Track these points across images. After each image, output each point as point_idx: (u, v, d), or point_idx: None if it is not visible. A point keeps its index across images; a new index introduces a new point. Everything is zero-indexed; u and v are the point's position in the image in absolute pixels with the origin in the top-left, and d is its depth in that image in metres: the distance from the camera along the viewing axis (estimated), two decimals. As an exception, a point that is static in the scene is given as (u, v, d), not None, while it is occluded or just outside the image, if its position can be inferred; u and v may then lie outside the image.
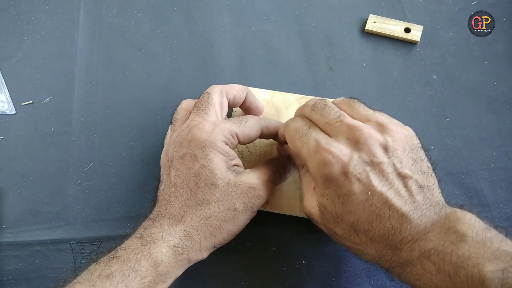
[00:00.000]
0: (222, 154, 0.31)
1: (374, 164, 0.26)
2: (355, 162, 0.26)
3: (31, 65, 0.46)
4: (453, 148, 0.40)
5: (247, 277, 0.36)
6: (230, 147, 0.32)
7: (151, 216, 0.31)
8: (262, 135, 0.35)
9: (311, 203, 0.30)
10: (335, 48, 0.46)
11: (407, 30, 0.45)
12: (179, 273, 0.30)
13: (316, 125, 0.30)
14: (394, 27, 0.45)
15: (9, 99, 0.44)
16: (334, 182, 0.27)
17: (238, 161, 0.33)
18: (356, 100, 0.31)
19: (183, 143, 0.32)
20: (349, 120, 0.28)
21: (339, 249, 0.37)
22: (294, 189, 0.37)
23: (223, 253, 0.36)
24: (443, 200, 0.27)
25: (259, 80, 0.44)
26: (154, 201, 0.33)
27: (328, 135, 0.29)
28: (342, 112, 0.30)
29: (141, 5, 0.49)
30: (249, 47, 0.46)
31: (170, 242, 0.29)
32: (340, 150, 0.27)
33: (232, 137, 0.32)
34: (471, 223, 0.24)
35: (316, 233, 0.37)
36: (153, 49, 0.46)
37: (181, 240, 0.29)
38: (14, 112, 0.44)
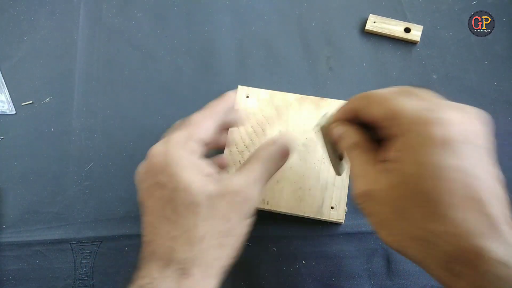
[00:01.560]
0: (189, 168, 0.27)
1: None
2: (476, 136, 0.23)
3: (31, 65, 0.46)
4: (453, 148, 0.40)
5: (247, 277, 0.36)
6: (197, 153, 0.28)
7: (139, 264, 0.27)
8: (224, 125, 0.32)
9: (371, 179, 0.25)
10: (335, 48, 0.46)
11: (407, 30, 0.45)
12: None
13: None
14: (394, 27, 0.45)
15: (9, 99, 0.44)
16: (448, 146, 0.21)
17: (208, 167, 0.28)
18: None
19: (143, 177, 0.28)
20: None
21: (339, 249, 0.37)
22: (294, 189, 0.37)
23: (223, 253, 0.37)
24: None
25: (259, 80, 0.44)
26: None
27: None
28: None
29: (141, 5, 0.49)
30: (249, 47, 0.46)
31: None
32: (460, 117, 0.23)
33: (191, 142, 0.28)
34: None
35: (316, 233, 0.37)
36: (153, 49, 0.46)
37: (177, 283, 0.25)
38: (14, 112, 0.44)
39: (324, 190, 0.37)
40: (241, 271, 0.36)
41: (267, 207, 0.37)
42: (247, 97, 0.41)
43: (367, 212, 0.26)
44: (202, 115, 0.31)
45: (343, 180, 0.37)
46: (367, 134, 0.28)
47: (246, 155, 0.39)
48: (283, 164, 0.31)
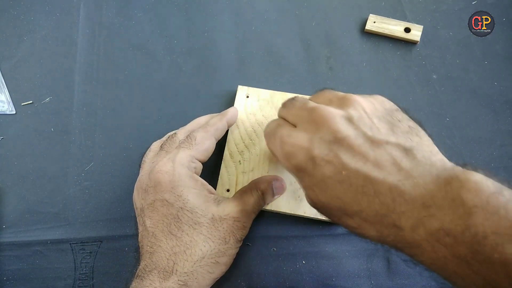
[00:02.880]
0: (194, 188, 0.30)
1: (339, 140, 0.23)
2: (318, 144, 0.24)
3: (31, 65, 0.46)
4: (453, 148, 0.40)
5: (247, 277, 0.36)
6: (197, 173, 0.31)
7: (138, 272, 0.29)
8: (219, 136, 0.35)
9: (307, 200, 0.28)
10: (335, 48, 0.46)
11: (407, 30, 0.45)
12: None
13: (287, 121, 0.28)
14: (394, 27, 0.45)
15: (9, 99, 0.44)
16: (305, 171, 0.24)
17: (209, 187, 0.32)
18: (325, 89, 0.29)
19: (148, 190, 0.30)
20: (310, 104, 0.26)
21: (339, 249, 0.37)
22: (294, 189, 0.37)
23: (223, 253, 0.37)
24: (441, 159, 0.22)
25: (259, 80, 0.44)
26: (137, 251, 0.31)
27: (295, 127, 0.27)
28: (308, 100, 0.27)
29: (141, 5, 0.49)
30: (249, 47, 0.46)
31: None
32: (299, 137, 0.25)
33: (194, 162, 0.31)
34: (477, 188, 0.19)
35: (316, 233, 0.37)
36: (153, 49, 0.46)
37: None
38: (14, 112, 0.44)
39: (324, 190, 0.37)
40: (241, 271, 0.36)
41: (267, 207, 0.37)
42: (247, 97, 0.41)
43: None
44: (205, 133, 0.34)
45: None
46: None
47: (246, 155, 0.39)
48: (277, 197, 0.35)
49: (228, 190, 0.37)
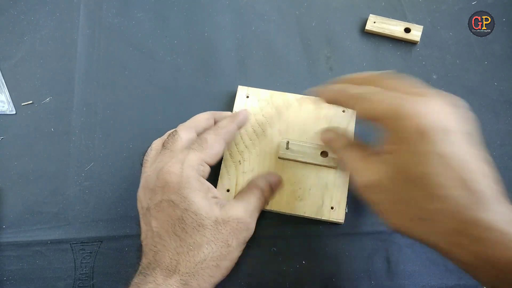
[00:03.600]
0: (200, 191, 0.30)
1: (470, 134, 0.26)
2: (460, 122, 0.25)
3: (31, 65, 0.46)
4: (453, 148, 0.40)
5: (247, 277, 0.36)
6: (204, 177, 0.32)
7: (141, 269, 0.30)
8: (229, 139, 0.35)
9: (371, 171, 0.27)
10: (335, 48, 0.46)
11: (407, 30, 0.45)
12: None
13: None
14: (394, 27, 0.45)
15: (9, 99, 0.44)
16: (434, 135, 0.24)
17: (215, 191, 0.32)
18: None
19: (155, 190, 0.31)
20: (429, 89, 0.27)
21: (339, 249, 0.37)
22: (294, 189, 0.37)
23: (223, 253, 0.37)
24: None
25: (259, 80, 0.44)
26: (140, 250, 0.32)
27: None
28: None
29: (141, 5, 0.49)
30: (249, 47, 0.46)
31: None
32: (444, 105, 0.26)
33: (202, 165, 0.32)
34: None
35: (316, 233, 0.37)
36: (153, 49, 0.46)
37: None
38: (14, 112, 0.44)
39: (324, 190, 0.37)
40: (241, 271, 0.36)
41: (267, 207, 0.37)
42: (247, 97, 0.41)
43: (372, 202, 0.28)
44: (216, 136, 0.34)
45: (343, 180, 0.37)
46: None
47: (246, 155, 0.39)
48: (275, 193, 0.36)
49: (228, 190, 0.37)
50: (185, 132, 0.34)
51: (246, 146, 0.39)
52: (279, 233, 0.37)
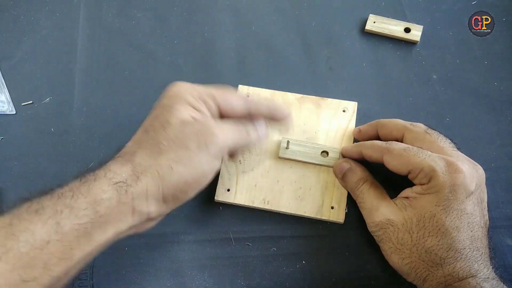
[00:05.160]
0: (190, 106, 0.30)
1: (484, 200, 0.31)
2: (478, 187, 0.30)
3: (31, 65, 0.46)
4: (453, 148, 0.40)
5: (247, 277, 0.36)
6: (207, 107, 0.31)
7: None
8: (251, 112, 0.33)
9: (390, 210, 0.31)
10: (335, 48, 0.46)
11: (407, 30, 0.45)
12: (122, 226, 0.26)
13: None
14: (394, 27, 0.45)
15: (9, 99, 0.44)
16: (460, 193, 0.29)
17: (208, 117, 0.31)
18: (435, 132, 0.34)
19: (158, 102, 0.32)
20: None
21: (339, 249, 0.37)
22: (294, 188, 0.37)
23: (223, 253, 0.37)
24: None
25: (259, 80, 0.44)
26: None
27: None
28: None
29: (141, 5, 0.49)
30: (249, 47, 0.46)
31: (113, 179, 0.26)
32: (471, 169, 0.30)
33: (208, 97, 0.31)
34: None
35: (316, 233, 0.37)
36: (153, 49, 0.46)
37: (126, 179, 0.26)
38: (14, 112, 0.44)
39: (324, 190, 0.37)
40: (241, 271, 0.36)
41: (267, 207, 0.37)
42: (248, 96, 0.41)
43: (384, 239, 0.32)
44: (236, 95, 0.34)
45: (343, 180, 0.37)
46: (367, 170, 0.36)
47: (246, 154, 0.39)
48: (250, 144, 0.34)
49: (228, 190, 0.37)
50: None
51: (246, 146, 0.39)
52: (279, 233, 0.37)
